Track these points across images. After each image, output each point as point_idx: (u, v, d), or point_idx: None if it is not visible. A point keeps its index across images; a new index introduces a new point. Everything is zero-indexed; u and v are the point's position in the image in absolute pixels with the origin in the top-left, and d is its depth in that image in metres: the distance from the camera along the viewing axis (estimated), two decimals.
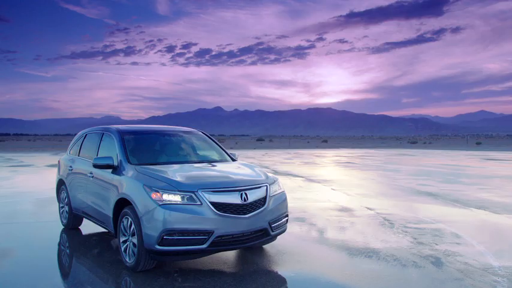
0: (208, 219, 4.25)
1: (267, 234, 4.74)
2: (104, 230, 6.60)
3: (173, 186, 4.34)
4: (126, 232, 4.67)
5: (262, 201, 4.69)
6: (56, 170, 7.60)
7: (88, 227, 6.84)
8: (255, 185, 4.73)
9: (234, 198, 4.45)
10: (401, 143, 70.19)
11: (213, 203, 4.31)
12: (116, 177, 4.98)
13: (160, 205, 4.22)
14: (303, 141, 78.93)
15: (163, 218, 4.16)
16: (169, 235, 4.18)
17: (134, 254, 4.52)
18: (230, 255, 5.27)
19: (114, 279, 4.47)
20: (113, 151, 5.38)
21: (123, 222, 4.71)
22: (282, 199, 5.07)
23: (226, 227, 4.33)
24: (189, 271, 4.64)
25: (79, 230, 6.74)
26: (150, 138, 5.84)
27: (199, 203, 4.28)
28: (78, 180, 6.12)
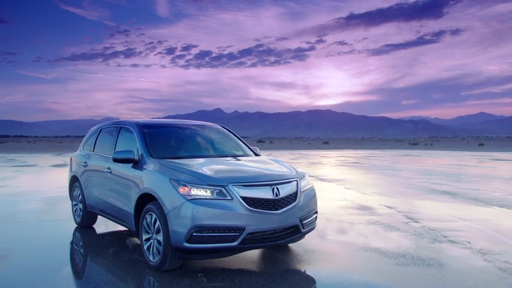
0: (239, 215, 4.00)
1: (297, 231, 4.49)
2: (119, 228, 6.36)
3: (202, 180, 4.09)
4: (150, 229, 4.42)
5: (293, 197, 4.45)
6: (62, 169, 7.31)
7: (102, 226, 6.60)
8: (286, 180, 4.49)
9: (266, 193, 4.21)
10: (403, 144, 69.83)
11: (244, 198, 4.06)
12: (138, 171, 4.73)
13: (188, 200, 3.96)
14: (303, 143, 78.64)
15: (192, 214, 3.91)
16: (198, 232, 3.93)
17: (159, 253, 4.26)
18: (255, 254, 5.02)
19: (136, 279, 4.20)
20: (132, 145, 5.14)
21: (146, 219, 4.46)
22: (312, 195, 4.84)
23: (257, 223, 4.08)
24: (215, 270, 4.39)
25: (93, 228, 6.49)
26: (171, 132, 5.59)
27: (229, 197, 4.04)
28: (94, 176, 5.88)
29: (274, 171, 4.67)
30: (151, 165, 4.63)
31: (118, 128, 5.74)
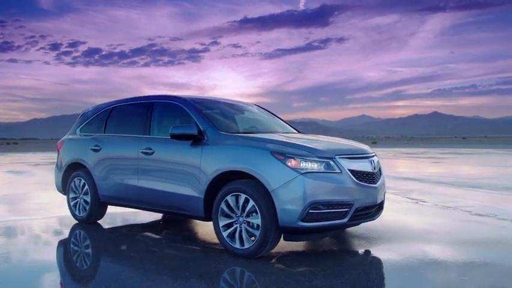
0: (349, 189, 3.72)
1: (381, 207, 4.32)
2: (124, 222, 5.59)
3: (311, 153, 3.70)
4: (234, 213, 3.88)
5: (379, 171, 4.30)
6: None
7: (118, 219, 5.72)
8: (372, 153, 4.34)
9: (367, 166, 4.01)
10: None
11: (351, 171, 3.79)
12: (206, 148, 4.11)
13: (302, 174, 3.56)
14: None
15: (308, 189, 3.52)
16: (314, 209, 3.55)
17: (252, 238, 3.76)
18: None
19: (204, 274, 3.64)
20: (182, 121, 4.56)
21: (226, 201, 3.90)
22: (383, 172, 4.71)
23: (363, 198, 3.83)
24: (285, 255, 3.97)
25: (98, 224, 5.57)
26: (221, 108, 4.99)
27: (338, 171, 3.72)
28: (119, 161, 5.03)
29: (358, 144, 4.48)
30: (225, 140, 4.08)
31: (149, 104, 4.99)
